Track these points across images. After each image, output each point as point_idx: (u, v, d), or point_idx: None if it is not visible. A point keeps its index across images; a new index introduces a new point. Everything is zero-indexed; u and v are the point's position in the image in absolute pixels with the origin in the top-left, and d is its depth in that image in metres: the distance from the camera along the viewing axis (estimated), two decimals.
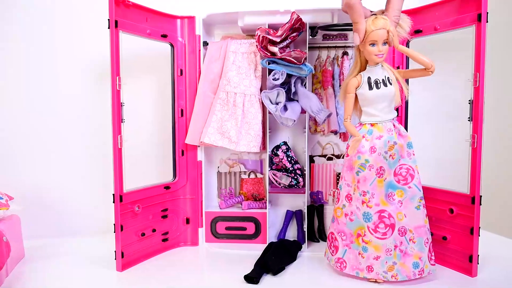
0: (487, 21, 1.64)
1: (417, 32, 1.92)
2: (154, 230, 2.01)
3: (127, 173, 1.84)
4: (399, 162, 1.68)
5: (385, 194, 1.67)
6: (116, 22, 1.74)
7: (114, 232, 1.81)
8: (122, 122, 1.80)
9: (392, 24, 1.63)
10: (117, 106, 1.77)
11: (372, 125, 1.70)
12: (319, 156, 2.25)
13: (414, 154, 1.69)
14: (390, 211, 1.66)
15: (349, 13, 1.63)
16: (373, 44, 1.63)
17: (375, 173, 1.67)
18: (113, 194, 1.79)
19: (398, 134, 1.68)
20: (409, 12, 1.93)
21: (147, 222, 1.98)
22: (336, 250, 1.76)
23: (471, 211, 1.72)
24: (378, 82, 1.67)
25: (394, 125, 1.69)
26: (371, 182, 1.67)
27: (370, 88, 1.67)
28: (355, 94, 1.72)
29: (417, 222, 1.66)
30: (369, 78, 1.69)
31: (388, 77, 1.68)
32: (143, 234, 1.94)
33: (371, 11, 1.67)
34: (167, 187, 2.07)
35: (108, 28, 1.73)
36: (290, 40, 2.04)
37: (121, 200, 1.80)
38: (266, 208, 2.12)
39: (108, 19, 1.73)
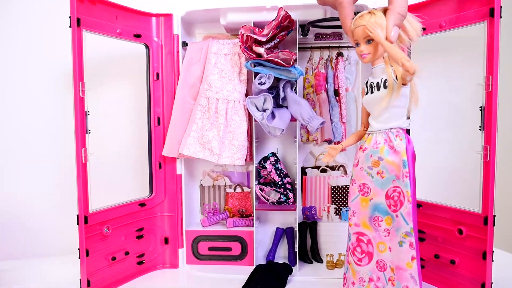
0: (500, 17, 1.44)
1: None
2: (127, 253, 1.80)
3: (94, 190, 1.64)
4: (393, 184, 1.40)
5: (370, 217, 1.44)
6: (78, 20, 1.53)
7: (79, 257, 1.59)
8: (87, 133, 1.59)
9: (394, 17, 1.34)
10: (81, 115, 1.56)
11: (368, 135, 1.49)
12: (312, 167, 2.04)
13: (407, 176, 1.38)
14: (371, 237, 1.43)
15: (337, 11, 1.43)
16: (357, 44, 1.42)
17: (358, 189, 1.46)
18: (77, 215, 1.58)
19: (391, 148, 1.40)
20: (410, 8, 1.73)
21: (119, 244, 1.77)
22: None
23: (483, 233, 1.52)
24: (373, 85, 1.44)
25: (388, 138, 1.41)
26: (353, 199, 1.48)
27: (367, 93, 1.46)
28: None
29: (399, 261, 1.38)
30: (367, 82, 1.47)
31: (385, 80, 1.40)
32: (113, 258, 1.73)
33: (370, 11, 1.42)
34: (142, 204, 1.86)
35: (70, 27, 1.52)
36: (278, 39, 1.83)
37: (86, 221, 1.59)
38: (253, 225, 1.91)
39: (69, 17, 1.52)
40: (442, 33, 1.66)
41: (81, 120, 1.55)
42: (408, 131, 1.66)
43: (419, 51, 1.79)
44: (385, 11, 1.40)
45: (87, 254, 1.61)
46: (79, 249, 1.59)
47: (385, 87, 1.39)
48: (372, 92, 1.43)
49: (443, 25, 1.64)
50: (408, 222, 1.37)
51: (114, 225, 1.74)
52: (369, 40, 1.38)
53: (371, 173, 1.43)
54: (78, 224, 1.58)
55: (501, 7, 1.44)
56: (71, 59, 1.53)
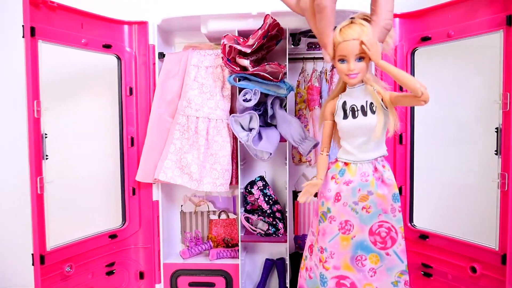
0: None
1: (424, 39, 1.53)
2: None
3: (55, 224, 1.43)
4: (379, 218, 1.27)
5: (351, 257, 1.28)
6: (32, 29, 1.33)
7: None
8: (43, 159, 1.38)
9: (378, 31, 1.19)
10: (36, 139, 1.35)
11: (346, 164, 1.30)
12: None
13: (400, 211, 1.27)
14: (355, 279, 1.28)
15: (310, 18, 1.22)
16: (342, 60, 1.21)
17: (338, 228, 1.28)
18: (32, 255, 1.36)
19: (381, 181, 1.26)
20: (413, 15, 1.56)
21: (85, 283, 1.57)
22: None
23: (500, 273, 1.35)
24: (356, 109, 1.25)
25: (375, 168, 1.27)
26: (331, 238, 1.29)
27: (345, 116, 1.26)
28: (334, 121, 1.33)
29: None
30: (344, 103, 1.28)
31: (371, 103, 1.23)
32: None
33: (351, 17, 1.24)
34: (113, 235, 1.65)
35: (23, 37, 1.32)
36: (265, 50, 1.63)
37: (42, 261, 1.38)
38: (239, 257, 1.70)
39: (22, 26, 1.31)
40: (450, 43, 1.47)
41: (36, 144, 1.34)
42: None
43: (424, 62, 1.61)
44: (363, 18, 1.22)
45: None
46: None
47: (373, 112, 1.23)
48: (355, 117, 1.25)
49: (452, 34, 1.45)
50: (403, 260, 1.27)
51: (79, 262, 1.53)
52: (360, 58, 1.19)
53: (356, 209, 1.27)
54: (33, 264, 1.36)
55: None
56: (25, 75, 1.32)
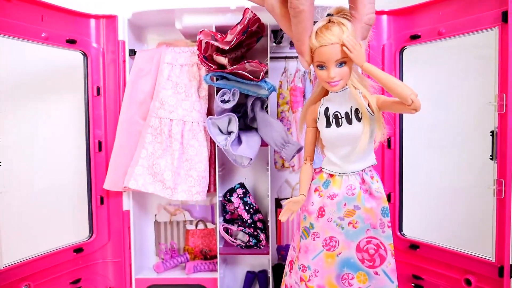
0: None
1: (413, 37, 1.44)
2: None
3: (10, 239, 1.27)
4: (367, 234, 1.16)
5: (337, 275, 1.17)
6: None
7: None
8: None
9: (359, 28, 1.03)
10: None
11: (330, 176, 1.17)
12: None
13: (389, 226, 1.16)
14: None
15: (280, 19, 1.04)
16: (321, 66, 1.06)
17: (322, 244, 1.17)
18: None
19: (368, 193, 1.15)
20: (402, 12, 1.47)
21: None
22: None
23: (497, 286, 1.27)
24: (339, 116, 1.12)
25: (363, 180, 1.15)
26: (315, 256, 1.17)
27: (328, 124, 1.13)
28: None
29: None
30: (326, 109, 1.14)
31: (356, 109, 1.10)
32: None
33: (328, 14, 1.08)
34: (78, 249, 1.50)
35: None
36: (245, 48, 1.52)
37: None
38: (218, 270, 1.57)
39: None
40: (441, 42, 1.39)
41: None
42: None
43: (413, 62, 1.52)
44: (342, 14, 1.06)
45: None
46: None
47: (358, 119, 1.09)
48: (339, 125, 1.11)
49: (443, 32, 1.37)
50: (393, 280, 1.16)
51: (38, 281, 1.37)
52: (342, 63, 1.05)
53: (341, 224, 1.15)
54: None
55: None
56: None
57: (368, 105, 1.10)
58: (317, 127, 1.19)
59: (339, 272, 1.17)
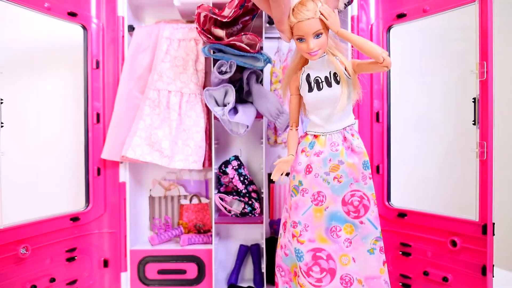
0: None
1: (400, 16, 1.53)
2: (53, 280, 1.45)
3: (9, 200, 1.29)
4: (350, 188, 1.24)
5: (326, 228, 1.25)
6: None
7: None
8: None
9: (332, 1, 1.17)
10: None
11: (315, 136, 1.27)
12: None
13: (371, 178, 1.25)
14: (330, 251, 1.24)
15: (271, 6, 1.12)
16: (301, 39, 1.16)
17: (311, 200, 1.25)
18: None
19: (350, 150, 1.24)
20: None
21: (42, 268, 1.42)
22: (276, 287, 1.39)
23: (481, 244, 1.32)
24: (320, 81, 1.22)
25: (344, 137, 1.24)
26: (304, 211, 1.25)
27: (310, 89, 1.23)
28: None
29: (369, 271, 1.25)
30: (308, 76, 1.24)
31: (334, 73, 1.21)
32: (33, 287, 1.37)
33: None
34: (75, 218, 1.52)
35: None
36: (241, 25, 1.58)
37: None
38: (212, 243, 1.60)
39: None
40: (426, 19, 1.48)
41: None
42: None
43: (401, 41, 1.61)
44: None
45: None
46: None
47: (337, 82, 1.20)
48: (320, 89, 1.22)
49: (427, 10, 1.46)
50: (377, 226, 1.25)
51: (35, 245, 1.39)
52: (318, 35, 1.15)
53: (327, 179, 1.24)
54: None
55: None
56: None
57: (345, 69, 1.21)
58: (300, 94, 1.28)
59: (328, 226, 1.24)
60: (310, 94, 1.23)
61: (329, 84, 1.21)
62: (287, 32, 1.16)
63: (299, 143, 1.30)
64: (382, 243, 1.25)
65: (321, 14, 1.13)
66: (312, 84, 1.23)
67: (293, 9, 1.14)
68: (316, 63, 1.22)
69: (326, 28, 1.16)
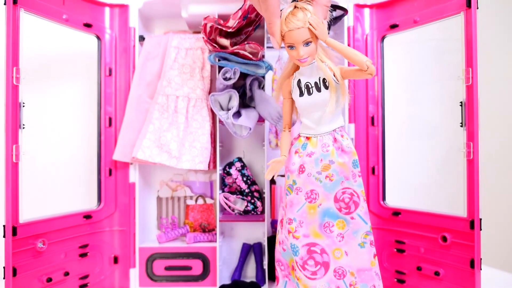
0: (477, 7, 1.37)
1: (392, 27, 1.64)
2: (66, 274, 1.53)
3: (29, 197, 1.38)
4: (342, 185, 1.31)
5: (320, 224, 1.32)
6: None
7: (4, 278, 1.31)
8: (20, 128, 1.35)
9: (320, 10, 1.23)
10: (13, 106, 1.33)
11: (307, 138, 1.35)
12: (282, 176, 1.86)
13: (360, 175, 1.32)
14: (324, 245, 1.31)
15: (261, 8, 1.23)
16: (291, 47, 1.25)
17: (304, 197, 1.32)
18: (4, 226, 1.31)
19: (340, 150, 1.31)
20: (382, 5, 1.67)
21: (57, 263, 1.50)
22: (277, 282, 1.45)
23: (469, 238, 1.39)
24: (310, 86, 1.30)
25: (335, 139, 1.32)
26: (299, 208, 1.33)
27: (301, 94, 1.32)
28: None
29: (361, 263, 1.31)
30: (299, 81, 1.33)
31: (323, 79, 1.29)
32: (49, 280, 1.46)
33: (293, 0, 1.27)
34: (88, 216, 1.61)
35: (4, 4, 1.32)
36: (244, 35, 1.69)
37: (14, 233, 1.33)
38: (216, 241, 1.69)
39: None
40: (416, 29, 1.58)
41: (13, 112, 1.32)
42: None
43: (394, 50, 1.72)
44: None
45: (14, 274, 1.33)
46: (4, 267, 1.32)
47: (326, 87, 1.28)
48: (310, 93, 1.30)
49: (417, 20, 1.56)
50: (366, 221, 1.31)
51: (52, 240, 1.48)
52: (308, 43, 1.24)
53: (319, 178, 1.31)
54: (4, 236, 1.31)
55: None
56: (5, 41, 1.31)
57: (334, 75, 1.28)
58: (292, 98, 1.36)
59: (321, 221, 1.31)
60: (301, 98, 1.31)
61: (319, 89, 1.29)
62: (277, 35, 1.24)
63: (292, 145, 1.38)
64: (372, 237, 1.32)
65: (310, 24, 1.21)
66: (303, 89, 1.31)
67: (285, 19, 1.23)
68: (306, 69, 1.30)
69: (315, 36, 1.23)
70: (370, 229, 1.31)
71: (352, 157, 1.31)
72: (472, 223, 1.37)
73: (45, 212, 1.48)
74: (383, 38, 1.68)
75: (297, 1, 1.25)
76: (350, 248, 1.31)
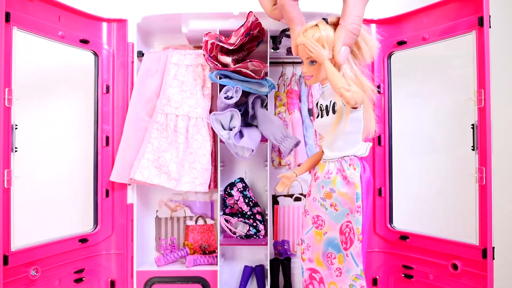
0: (490, 26, 1.32)
1: (400, 43, 1.58)
2: None
3: (21, 223, 1.32)
4: (347, 218, 1.24)
5: (323, 253, 1.29)
6: (7, 14, 1.27)
7: None
8: (13, 151, 1.29)
9: (344, 35, 1.17)
10: (5, 129, 1.27)
11: (322, 162, 1.32)
12: (285, 196, 1.81)
13: (358, 211, 1.21)
14: (323, 275, 1.28)
15: (282, 12, 1.24)
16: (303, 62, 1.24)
17: (311, 221, 1.30)
18: None
19: (344, 179, 1.23)
20: (390, 21, 1.61)
21: None
22: None
23: (482, 268, 1.34)
24: (322, 108, 1.27)
25: (341, 167, 1.24)
26: (307, 231, 1.32)
27: (317, 115, 1.31)
28: None
29: None
30: (317, 103, 1.31)
31: (334, 103, 1.22)
32: None
33: (323, 18, 1.23)
34: (83, 239, 1.55)
35: None
36: (246, 51, 1.64)
37: (6, 262, 1.27)
38: (217, 264, 1.63)
39: None
40: (425, 47, 1.53)
41: (4, 135, 1.26)
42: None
43: (401, 67, 1.66)
44: (337, 22, 1.21)
45: None
46: None
47: (334, 111, 1.22)
48: (322, 116, 1.26)
49: (427, 38, 1.51)
50: (358, 263, 1.21)
51: (45, 266, 1.42)
52: (313, 61, 1.21)
53: (325, 205, 1.27)
54: None
55: (490, 16, 1.33)
56: None
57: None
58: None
59: (325, 250, 1.27)
60: (316, 120, 1.30)
61: (327, 113, 1.24)
62: (293, 43, 1.23)
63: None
64: (364, 283, 1.20)
65: (307, 46, 1.17)
66: (319, 110, 1.29)
67: (302, 32, 1.21)
68: (325, 90, 1.27)
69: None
70: (362, 273, 1.20)
71: (355, 189, 1.22)
72: (485, 252, 1.31)
73: (39, 237, 1.42)
74: (390, 54, 1.63)
75: (326, 20, 1.22)
76: (343, 287, 1.24)
